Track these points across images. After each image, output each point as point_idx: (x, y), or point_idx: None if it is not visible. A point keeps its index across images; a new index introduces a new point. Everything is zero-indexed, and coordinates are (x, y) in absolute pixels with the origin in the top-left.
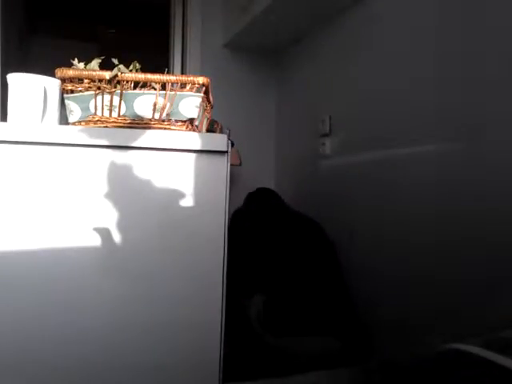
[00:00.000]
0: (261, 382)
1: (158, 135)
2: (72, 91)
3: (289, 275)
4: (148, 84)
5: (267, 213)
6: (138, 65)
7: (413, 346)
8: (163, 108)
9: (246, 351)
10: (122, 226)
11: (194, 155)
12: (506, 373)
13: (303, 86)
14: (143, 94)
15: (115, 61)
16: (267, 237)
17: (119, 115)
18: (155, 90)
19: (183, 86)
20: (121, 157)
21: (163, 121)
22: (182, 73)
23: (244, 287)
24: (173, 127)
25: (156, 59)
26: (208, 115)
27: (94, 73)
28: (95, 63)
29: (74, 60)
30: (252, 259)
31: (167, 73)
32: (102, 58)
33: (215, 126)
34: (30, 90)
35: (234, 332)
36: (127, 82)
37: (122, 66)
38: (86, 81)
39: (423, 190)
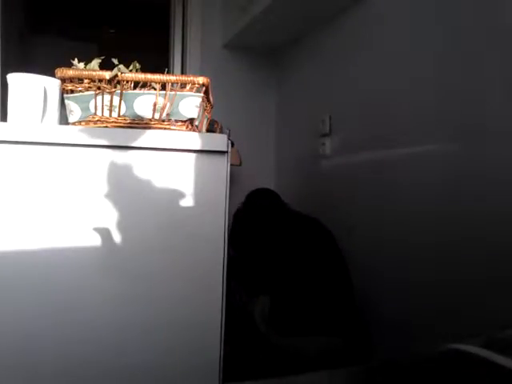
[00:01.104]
0: (261, 382)
1: (158, 135)
2: (72, 91)
3: (293, 274)
4: (148, 84)
5: (269, 213)
6: (137, 65)
7: (413, 345)
8: (163, 108)
9: (250, 351)
10: (121, 226)
11: (193, 155)
12: (506, 373)
13: (303, 86)
14: (143, 94)
15: (115, 61)
16: (270, 237)
17: (119, 115)
18: (155, 90)
19: (183, 86)
20: (121, 157)
21: (163, 121)
22: (182, 73)
23: (249, 287)
24: (173, 127)
25: (156, 59)
26: (208, 115)
27: (93, 73)
28: (95, 63)
29: (73, 60)
30: (256, 259)
31: (167, 73)
32: (102, 58)
33: (215, 126)
34: (30, 89)
35: (239, 332)
36: (127, 82)
37: (122, 66)
38: (86, 81)
39: (423, 190)
